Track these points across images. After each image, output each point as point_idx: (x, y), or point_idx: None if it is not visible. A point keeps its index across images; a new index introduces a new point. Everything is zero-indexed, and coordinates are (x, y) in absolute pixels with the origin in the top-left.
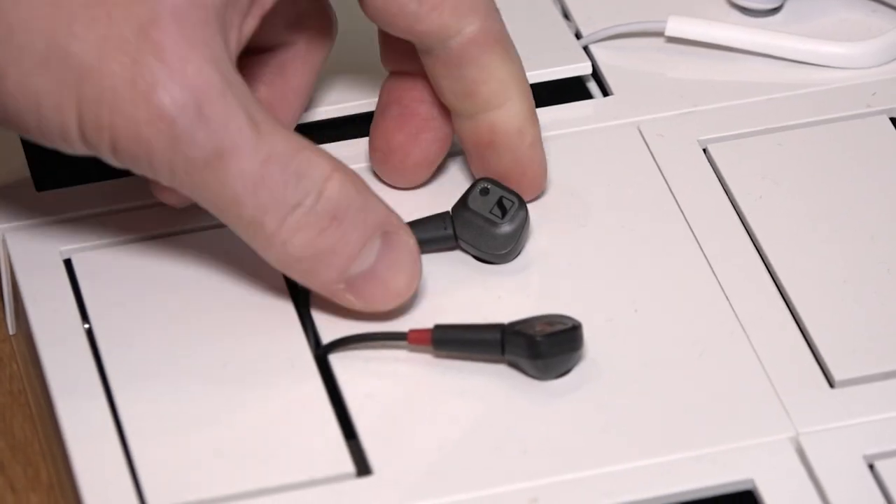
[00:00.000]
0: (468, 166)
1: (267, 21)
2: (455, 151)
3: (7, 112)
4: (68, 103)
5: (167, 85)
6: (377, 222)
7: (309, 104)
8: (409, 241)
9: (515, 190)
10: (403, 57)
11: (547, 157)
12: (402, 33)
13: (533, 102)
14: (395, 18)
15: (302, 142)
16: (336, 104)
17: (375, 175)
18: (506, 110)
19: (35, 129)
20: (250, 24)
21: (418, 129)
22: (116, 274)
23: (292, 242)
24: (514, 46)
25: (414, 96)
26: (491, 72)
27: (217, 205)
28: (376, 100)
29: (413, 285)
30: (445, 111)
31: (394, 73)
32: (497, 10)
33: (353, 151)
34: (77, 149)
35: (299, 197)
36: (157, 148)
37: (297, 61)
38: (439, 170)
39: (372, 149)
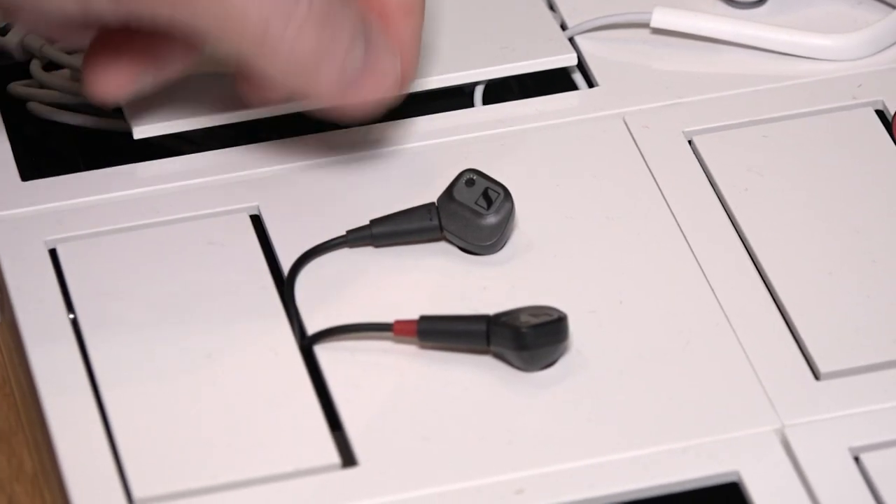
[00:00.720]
0: (454, 157)
1: None
2: (438, 139)
3: None
4: None
5: None
6: (357, 16)
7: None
8: (379, 28)
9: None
10: None
11: (533, 147)
12: None
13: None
14: None
15: None
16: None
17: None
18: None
19: None
20: None
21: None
22: (101, 264)
23: (299, 44)
24: None
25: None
26: None
27: (221, 24)
28: None
29: (398, 65)
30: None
31: None
32: None
33: (346, 140)
34: None
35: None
36: None
37: None
38: (424, 160)
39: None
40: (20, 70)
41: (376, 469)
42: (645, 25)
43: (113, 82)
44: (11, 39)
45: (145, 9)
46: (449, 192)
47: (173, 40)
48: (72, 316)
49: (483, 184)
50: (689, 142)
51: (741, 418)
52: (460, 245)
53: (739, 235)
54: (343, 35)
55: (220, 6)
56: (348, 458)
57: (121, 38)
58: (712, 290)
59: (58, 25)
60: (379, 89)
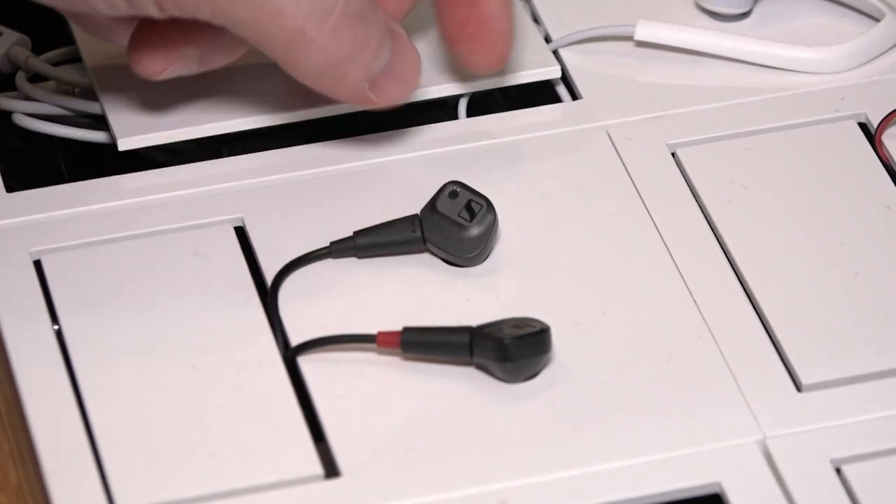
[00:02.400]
0: (437, 168)
1: None
2: (422, 151)
3: None
4: None
5: None
6: (384, 18)
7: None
8: (405, 32)
9: (478, 56)
10: None
11: (516, 159)
12: None
13: None
14: None
15: None
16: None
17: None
18: None
19: None
20: None
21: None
22: (86, 275)
23: (332, 46)
24: None
25: None
26: None
27: (259, 22)
28: None
29: (419, 73)
30: None
31: None
32: None
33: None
34: None
35: (332, 1)
36: None
37: None
38: (408, 172)
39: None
40: (5, 82)
41: (359, 480)
42: (629, 38)
43: (156, 61)
44: None
45: (187, 10)
46: (432, 204)
47: (223, 30)
48: (56, 327)
49: (466, 196)
50: (673, 154)
51: (723, 430)
52: (443, 257)
53: (722, 247)
54: (373, 36)
55: (258, 7)
56: (331, 469)
57: (170, 22)
58: (695, 301)
59: (109, 26)
60: (401, 92)
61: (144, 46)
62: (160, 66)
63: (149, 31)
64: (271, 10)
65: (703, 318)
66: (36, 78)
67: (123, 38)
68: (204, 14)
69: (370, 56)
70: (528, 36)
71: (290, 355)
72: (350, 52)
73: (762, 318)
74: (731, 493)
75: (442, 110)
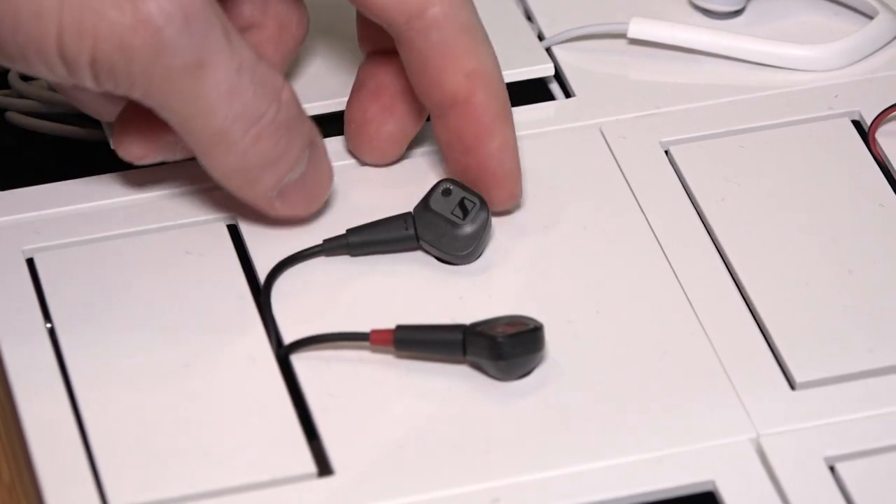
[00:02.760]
0: (431, 166)
1: None
2: (417, 149)
3: None
4: (49, 10)
5: None
6: (309, 131)
7: None
8: (325, 146)
9: (487, 199)
10: (379, 37)
11: None
12: (366, 9)
13: (506, 101)
14: None
15: (258, 52)
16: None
17: (348, 152)
18: (470, 107)
19: (10, 42)
20: None
21: (392, 101)
22: (79, 273)
23: (251, 151)
24: (486, 39)
25: (389, 70)
26: (454, 62)
27: (186, 115)
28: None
29: (328, 190)
30: None
31: (370, 54)
32: (469, 1)
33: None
34: (51, 64)
35: (264, 106)
36: (139, 56)
37: (268, 46)
38: (402, 170)
39: (347, 122)
40: None
41: (352, 478)
42: (622, 36)
43: (137, 147)
44: None
45: (121, 86)
46: (425, 202)
47: None
48: (49, 325)
49: (459, 193)
50: (666, 152)
51: (717, 428)
52: (436, 255)
53: (716, 245)
54: (294, 147)
55: (189, 99)
56: (324, 467)
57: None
58: (688, 299)
59: (94, 102)
60: (306, 207)
61: (127, 131)
62: (140, 152)
63: (133, 115)
64: (202, 105)
65: (697, 316)
66: (29, 76)
67: (111, 115)
68: (136, 93)
69: (287, 166)
70: (521, 34)
71: (283, 353)
72: (268, 160)
73: (755, 316)
74: (724, 491)
75: None
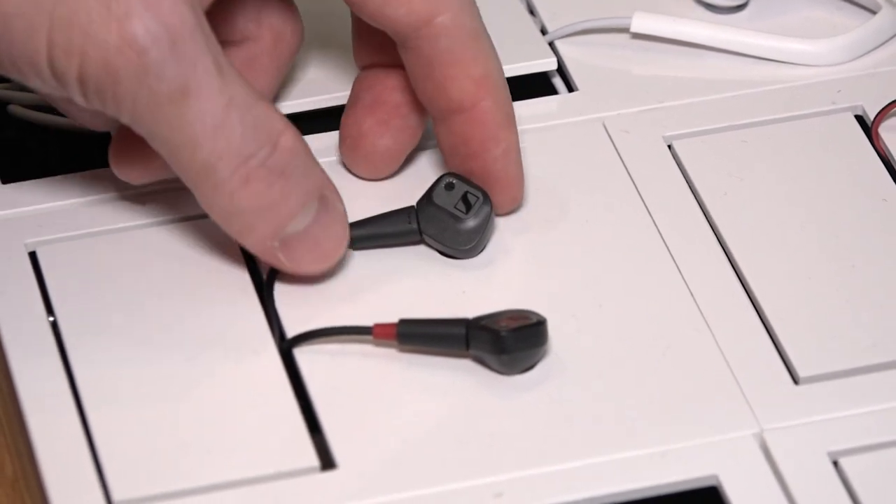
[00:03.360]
0: (434, 161)
1: (235, 1)
2: (421, 145)
3: None
4: (40, 27)
5: (142, 15)
6: (317, 185)
7: (281, 97)
8: (342, 207)
9: (491, 201)
10: (376, 51)
11: None
12: (372, 19)
13: (510, 107)
14: (365, 0)
15: (259, 94)
16: (307, 97)
17: (345, 167)
18: (477, 113)
19: (7, 60)
20: None
21: (389, 115)
22: (81, 267)
23: (241, 193)
24: (492, 46)
25: (386, 85)
26: (462, 69)
27: (173, 144)
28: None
29: (341, 251)
30: (417, 102)
31: (365, 69)
32: (475, 7)
33: (323, 144)
34: (44, 78)
35: (254, 148)
36: (125, 77)
37: (264, 57)
38: (405, 163)
39: (342, 137)
40: None
41: (355, 472)
42: (625, 30)
43: (134, 169)
44: None
45: (108, 107)
46: (428, 196)
47: None
48: (52, 318)
49: (463, 187)
50: (669, 146)
51: (720, 422)
52: (439, 249)
53: (719, 240)
54: (293, 198)
55: (174, 129)
56: (327, 461)
57: None
58: (691, 294)
59: (85, 113)
60: (316, 264)
61: (124, 152)
62: (138, 175)
63: (129, 136)
64: (186, 136)
65: (700, 311)
66: None
67: (104, 126)
68: (125, 117)
69: (284, 216)
70: (524, 27)
71: (286, 347)
72: (260, 206)
73: (759, 311)
74: (728, 486)
75: None
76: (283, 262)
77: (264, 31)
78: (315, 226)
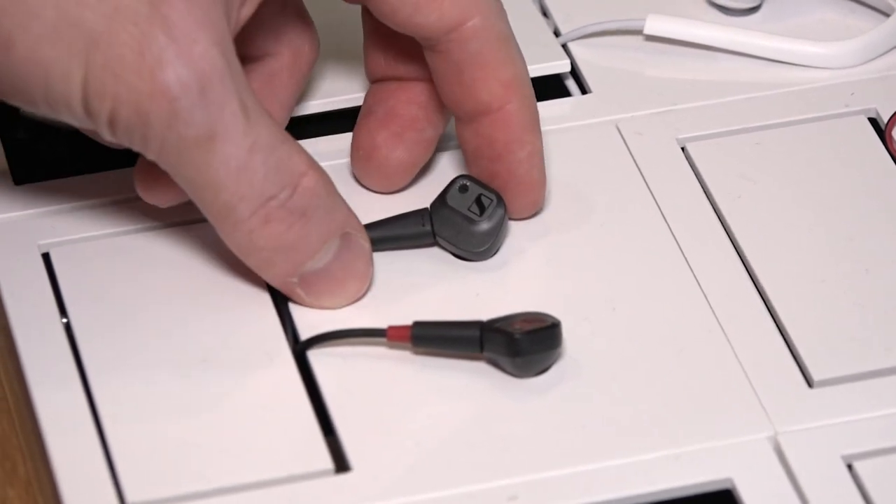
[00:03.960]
0: (448, 163)
1: (255, 20)
2: (435, 147)
3: (14, 84)
4: (76, 71)
5: (174, 63)
6: (340, 223)
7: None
8: (366, 244)
9: (509, 206)
10: (389, 64)
11: None
12: (402, 27)
13: (536, 111)
14: (395, 9)
15: (284, 134)
16: (320, 99)
17: (354, 177)
18: (503, 115)
19: (41, 99)
20: (248, 9)
21: (402, 128)
22: (95, 268)
23: (260, 233)
24: (519, 49)
25: (399, 98)
26: (491, 71)
27: (196, 185)
28: (362, 95)
29: (363, 288)
30: (431, 115)
31: (378, 81)
32: (503, 11)
33: (335, 147)
34: (77, 116)
35: (275, 189)
36: (154, 122)
37: (283, 73)
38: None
39: (354, 148)
40: None
41: (369, 475)
42: (638, 32)
43: (161, 193)
44: None
45: (136, 143)
46: (442, 198)
47: None
48: (65, 320)
49: (476, 190)
50: (683, 149)
51: (734, 425)
52: (453, 251)
53: (732, 243)
54: (313, 238)
55: (199, 170)
56: (341, 464)
57: None
58: (705, 296)
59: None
60: (335, 299)
61: (150, 176)
62: (164, 198)
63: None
64: (210, 178)
65: (714, 314)
66: None
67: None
68: (152, 155)
69: (304, 255)
70: (537, 30)
71: (300, 349)
72: (280, 245)
73: (773, 314)
74: (742, 489)
75: None
76: (303, 297)
77: (283, 48)
78: (335, 263)
